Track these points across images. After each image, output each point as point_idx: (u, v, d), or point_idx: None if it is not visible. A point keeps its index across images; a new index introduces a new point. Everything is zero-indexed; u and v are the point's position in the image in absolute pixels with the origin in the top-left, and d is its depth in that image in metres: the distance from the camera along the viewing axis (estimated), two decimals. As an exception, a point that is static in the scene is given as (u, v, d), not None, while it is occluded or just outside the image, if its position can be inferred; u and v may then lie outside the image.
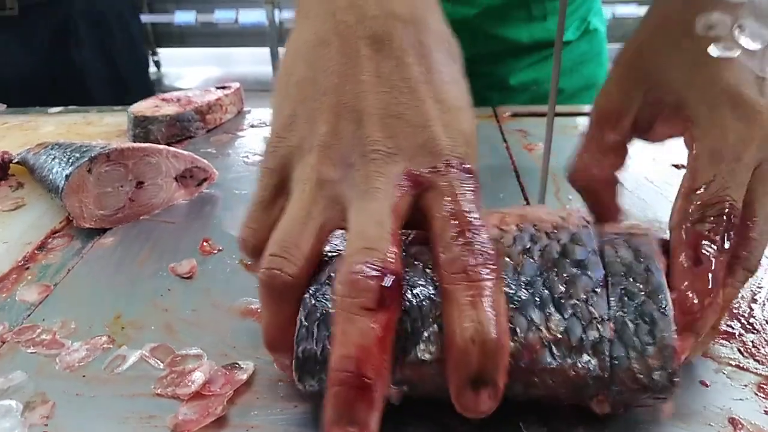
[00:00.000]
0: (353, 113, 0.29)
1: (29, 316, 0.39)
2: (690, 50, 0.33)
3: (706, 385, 0.32)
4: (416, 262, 0.29)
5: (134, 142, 0.65)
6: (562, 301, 0.27)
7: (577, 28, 0.83)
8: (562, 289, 0.27)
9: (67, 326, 0.38)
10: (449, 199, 0.27)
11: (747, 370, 0.33)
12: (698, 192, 0.30)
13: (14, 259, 0.45)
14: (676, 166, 0.58)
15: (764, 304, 0.38)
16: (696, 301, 0.28)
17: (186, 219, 0.51)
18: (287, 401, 0.32)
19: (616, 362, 0.26)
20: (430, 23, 0.32)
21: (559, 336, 0.26)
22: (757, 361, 0.34)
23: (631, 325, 0.27)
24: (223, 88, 0.74)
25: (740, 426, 0.29)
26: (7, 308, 0.40)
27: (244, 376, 0.33)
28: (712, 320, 0.29)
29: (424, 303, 0.27)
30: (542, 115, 0.62)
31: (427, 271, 0.28)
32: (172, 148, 0.52)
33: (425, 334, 0.27)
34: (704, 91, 0.32)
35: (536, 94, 0.83)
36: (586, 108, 0.76)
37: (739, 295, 0.39)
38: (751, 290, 0.40)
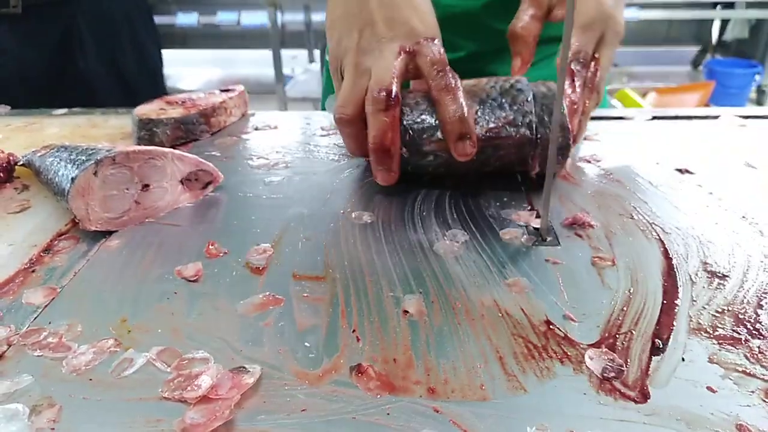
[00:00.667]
0: (369, 25, 0.55)
1: (35, 319, 0.39)
2: None
3: (713, 391, 0.32)
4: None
5: (139, 144, 0.65)
6: (513, 106, 0.53)
7: None
8: (510, 100, 0.53)
9: (74, 329, 0.38)
10: (429, 58, 0.53)
11: (754, 375, 0.33)
12: (577, 52, 0.57)
13: (20, 262, 0.45)
14: (680, 171, 0.58)
15: (771, 310, 0.38)
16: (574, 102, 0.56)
17: (191, 222, 0.51)
18: (294, 405, 0.32)
19: (539, 135, 0.52)
20: None
21: (511, 118, 0.52)
22: (764, 366, 0.34)
23: (546, 117, 0.52)
24: (227, 90, 0.74)
25: (748, 432, 0.29)
26: (13, 311, 0.40)
27: (251, 380, 0.33)
28: (579, 115, 0.57)
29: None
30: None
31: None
32: (177, 151, 0.52)
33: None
34: None
35: None
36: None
37: (743, 298, 0.39)
38: (757, 296, 0.40)
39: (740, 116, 0.71)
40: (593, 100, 0.58)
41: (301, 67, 3.83)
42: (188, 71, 4.97)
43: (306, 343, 0.36)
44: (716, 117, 0.72)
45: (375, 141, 0.51)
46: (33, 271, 0.44)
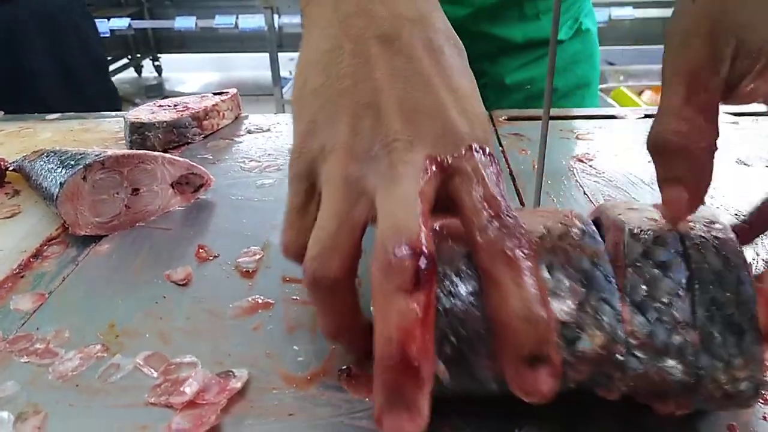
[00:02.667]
0: (370, 109, 0.30)
1: (23, 325, 0.39)
2: None
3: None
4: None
5: (131, 148, 0.65)
6: (645, 303, 0.26)
7: (570, 27, 0.83)
8: (645, 288, 0.27)
9: (61, 335, 0.38)
10: (477, 183, 0.28)
11: (745, 375, 0.33)
12: None
13: (9, 267, 0.45)
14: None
15: (763, 308, 0.38)
16: None
17: (182, 225, 0.51)
18: (281, 410, 0.31)
19: (702, 371, 0.26)
20: (435, 21, 0.33)
21: (644, 339, 0.26)
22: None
23: (717, 335, 0.26)
24: (220, 93, 0.74)
25: (739, 432, 0.29)
26: (1, 317, 0.40)
27: (239, 384, 0.33)
28: None
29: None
30: (538, 118, 0.62)
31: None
32: (167, 155, 0.51)
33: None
34: None
35: (531, 93, 0.83)
36: (580, 111, 0.76)
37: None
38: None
39: (732, 114, 0.71)
40: None
41: (299, 69, 3.82)
42: (186, 75, 4.97)
43: (295, 347, 0.36)
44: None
45: (391, 348, 0.24)
46: (22, 277, 0.44)
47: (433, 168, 0.28)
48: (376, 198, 0.28)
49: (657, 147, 0.29)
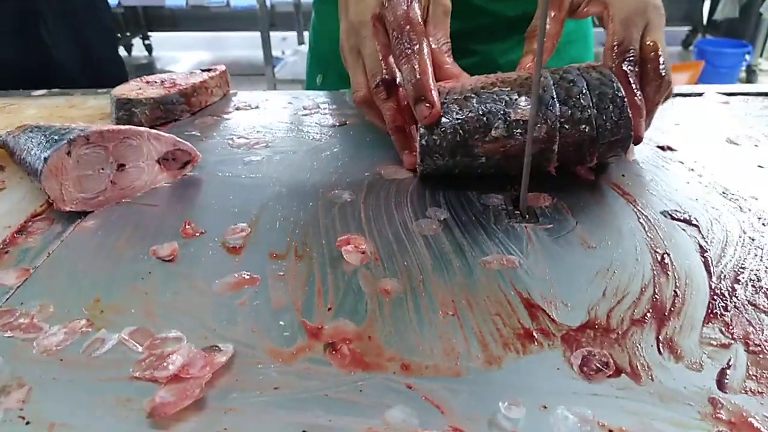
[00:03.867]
0: (344, 6, 0.55)
1: (7, 300, 0.38)
2: None
3: (687, 365, 0.32)
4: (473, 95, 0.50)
5: (117, 125, 0.64)
6: (570, 101, 0.48)
7: None
8: (564, 93, 0.49)
9: (46, 310, 0.37)
10: (391, 20, 0.51)
11: (728, 348, 0.33)
12: (617, 45, 0.52)
13: (-7, 243, 0.44)
14: (662, 148, 0.58)
15: (746, 285, 0.38)
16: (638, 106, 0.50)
17: (168, 202, 0.50)
18: (267, 384, 0.31)
19: (600, 129, 0.48)
20: None
21: (568, 114, 0.48)
22: (737, 339, 0.34)
23: (606, 106, 0.48)
24: (209, 70, 0.73)
25: (720, 405, 0.29)
26: (-16, 292, 0.39)
27: (224, 359, 0.33)
28: (644, 115, 0.51)
29: (491, 108, 0.49)
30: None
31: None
32: (153, 131, 0.51)
33: (496, 124, 0.48)
34: None
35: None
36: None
37: (721, 273, 0.38)
38: (734, 270, 0.39)
39: (723, 93, 0.71)
40: (663, 89, 0.52)
41: (291, 48, 3.79)
42: (177, 54, 4.91)
43: (281, 322, 0.36)
44: (700, 94, 0.71)
45: (390, 126, 0.54)
46: (6, 252, 0.43)
47: (375, 21, 0.52)
48: (362, 55, 0.54)
49: (527, 35, 0.59)
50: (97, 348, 0.34)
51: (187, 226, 0.46)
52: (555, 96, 0.48)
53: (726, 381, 0.31)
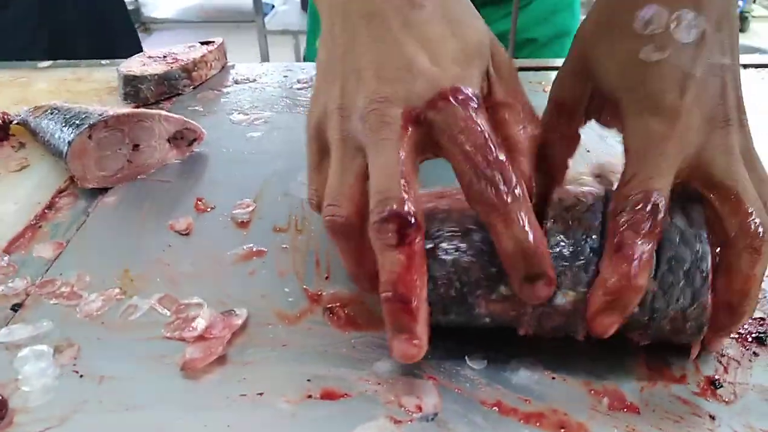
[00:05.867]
0: (354, 73, 0.34)
1: (47, 270, 0.45)
2: (626, 50, 0.35)
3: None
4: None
5: (125, 100, 0.69)
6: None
7: None
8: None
9: (83, 279, 0.44)
10: (457, 131, 0.32)
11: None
12: (623, 187, 0.33)
13: (27, 218, 0.50)
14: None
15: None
16: (615, 282, 0.31)
17: (179, 178, 0.56)
18: (276, 342, 0.38)
19: (656, 314, 0.33)
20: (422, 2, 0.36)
21: None
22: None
23: (676, 284, 0.32)
24: (207, 43, 0.77)
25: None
26: (26, 264, 0.45)
27: (239, 321, 0.39)
28: (634, 300, 0.31)
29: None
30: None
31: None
32: (164, 112, 0.56)
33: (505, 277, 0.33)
34: (633, 93, 0.34)
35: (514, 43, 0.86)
36: (557, 62, 0.80)
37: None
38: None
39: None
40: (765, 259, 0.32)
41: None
42: (162, 0, 4.81)
43: (286, 289, 0.42)
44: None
45: (387, 288, 0.31)
46: (40, 227, 0.49)
47: (409, 122, 0.32)
48: (368, 160, 0.33)
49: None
50: (131, 313, 0.41)
51: (198, 202, 0.51)
52: (597, 247, 0.33)
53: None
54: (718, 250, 0.33)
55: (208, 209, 0.51)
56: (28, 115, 0.59)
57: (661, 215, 0.31)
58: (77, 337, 0.39)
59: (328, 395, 0.34)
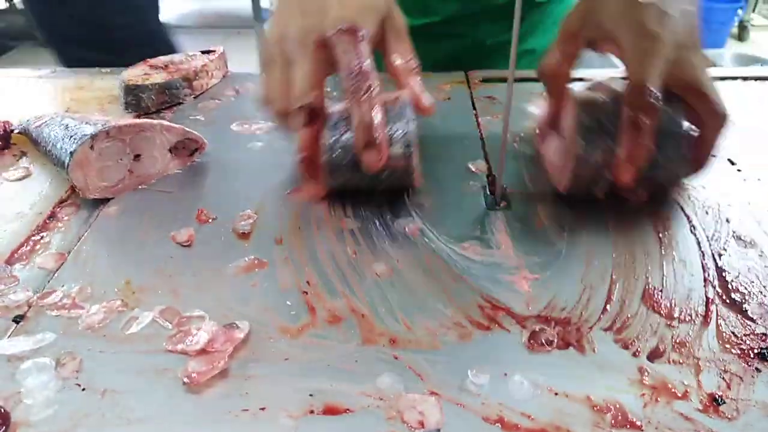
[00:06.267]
0: (289, 10, 0.54)
1: (49, 282, 0.45)
2: (623, 1, 0.50)
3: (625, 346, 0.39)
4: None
5: (126, 109, 0.69)
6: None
7: None
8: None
9: (84, 291, 0.44)
10: (341, 53, 0.49)
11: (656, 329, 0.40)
12: (630, 87, 0.48)
13: (29, 229, 0.50)
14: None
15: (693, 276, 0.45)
16: (631, 145, 0.47)
17: (181, 188, 0.56)
18: (278, 356, 0.38)
19: (655, 165, 0.48)
20: None
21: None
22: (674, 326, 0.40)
23: (667, 147, 0.48)
24: (208, 52, 0.77)
25: (647, 373, 0.36)
26: (28, 275, 0.45)
27: (242, 335, 0.39)
28: (644, 156, 0.47)
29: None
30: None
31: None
32: (165, 122, 0.56)
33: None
34: (629, 26, 0.50)
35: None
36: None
37: (664, 260, 0.44)
38: (682, 261, 0.46)
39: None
40: (722, 126, 0.49)
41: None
42: (162, 4, 4.81)
43: (288, 302, 0.42)
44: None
45: (302, 153, 0.53)
46: (41, 238, 0.49)
47: (319, 47, 0.50)
48: (295, 74, 0.51)
49: (540, 74, 0.55)
50: (132, 325, 0.41)
51: (200, 213, 0.51)
52: (614, 121, 0.48)
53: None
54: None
55: (210, 220, 0.51)
56: (30, 125, 0.59)
57: (658, 102, 0.47)
58: (79, 349, 0.39)
59: (331, 410, 0.34)
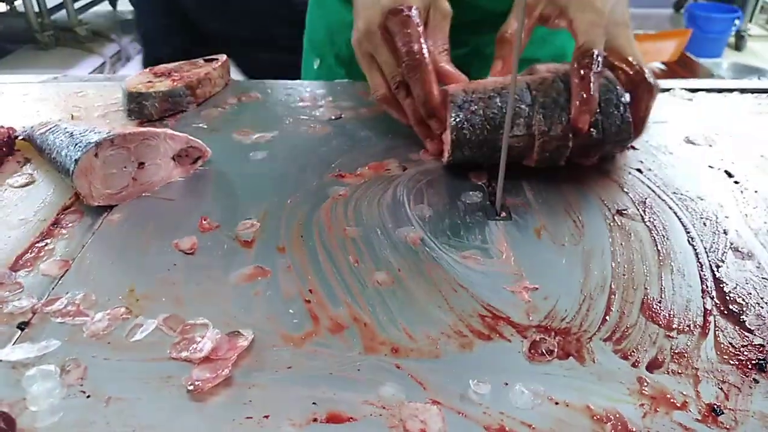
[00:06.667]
0: (356, 8, 0.63)
1: (53, 289, 0.45)
2: None
3: (625, 356, 0.39)
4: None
5: (129, 116, 0.69)
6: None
7: None
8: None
9: (89, 298, 0.44)
10: (395, 31, 0.58)
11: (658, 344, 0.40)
12: (579, 50, 0.57)
13: (33, 235, 0.50)
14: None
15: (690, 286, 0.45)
16: (584, 96, 0.55)
17: (184, 196, 0.56)
18: (282, 364, 0.38)
19: (606, 132, 0.56)
20: None
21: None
22: (672, 338, 0.41)
23: (609, 109, 0.56)
24: (211, 60, 0.78)
25: (645, 383, 0.37)
26: (33, 282, 0.46)
27: (246, 343, 0.39)
28: (594, 104, 0.55)
29: (515, 106, 0.56)
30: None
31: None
32: (169, 131, 0.56)
33: (517, 121, 0.56)
34: (578, 4, 0.60)
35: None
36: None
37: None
38: (680, 271, 0.47)
39: (687, 90, 0.77)
40: (653, 92, 0.59)
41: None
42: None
43: (291, 310, 0.43)
44: (668, 90, 0.78)
45: (412, 120, 0.62)
46: (45, 245, 0.50)
47: (381, 30, 0.59)
48: (377, 60, 0.62)
49: (497, 40, 0.64)
50: (137, 332, 0.41)
51: (203, 221, 0.52)
52: (567, 98, 0.56)
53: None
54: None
55: (213, 228, 0.51)
56: (34, 131, 0.60)
57: (601, 62, 0.56)
58: (84, 356, 0.39)
59: (334, 419, 0.35)
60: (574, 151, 0.57)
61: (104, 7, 4.65)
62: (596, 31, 0.58)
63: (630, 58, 0.59)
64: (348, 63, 0.90)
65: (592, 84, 0.55)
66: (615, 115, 0.56)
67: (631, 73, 0.58)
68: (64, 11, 3.98)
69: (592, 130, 0.56)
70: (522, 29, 0.49)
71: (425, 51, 0.57)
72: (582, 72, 0.55)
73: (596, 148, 0.58)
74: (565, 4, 0.61)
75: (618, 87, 0.57)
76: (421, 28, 0.58)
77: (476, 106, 0.56)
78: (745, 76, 2.84)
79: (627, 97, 0.57)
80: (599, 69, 0.56)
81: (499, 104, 0.56)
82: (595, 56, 0.56)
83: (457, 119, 0.56)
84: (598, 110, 0.55)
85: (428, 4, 0.61)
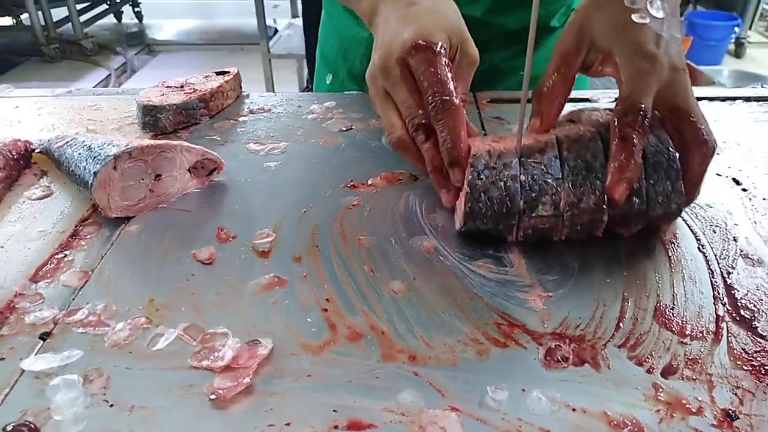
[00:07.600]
0: (373, 46, 0.57)
1: (74, 299, 0.46)
2: (618, 17, 0.51)
3: (639, 363, 0.40)
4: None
5: (143, 129, 0.70)
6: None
7: (563, 14, 0.87)
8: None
9: (109, 308, 0.45)
10: (423, 72, 0.52)
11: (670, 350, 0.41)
12: (623, 102, 0.48)
13: (52, 247, 0.51)
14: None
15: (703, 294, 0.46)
16: (623, 160, 0.46)
17: (200, 207, 0.57)
18: (301, 372, 0.39)
19: (651, 202, 0.48)
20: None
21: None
22: (685, 343, 0.42)
23: (661, 179, 0.48)
24: (223, 73, 0.79)
25: (661, 389, 0.37)
26: (53, 293, 0.46)
27: (266, 352, 0.40)
28: (636, 172, 0.46)
29: (540, 183, 0.48)
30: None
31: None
32: (185, 143, 0.57)
33: (542, 199, 0.48)
34: (624, 45, 0.51)
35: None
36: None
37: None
38: (692, 279, 0.47)
39: (694, 99, 0.77)
40: (709, 156, 0.49)
41: (284, 18, 3.79)
42: (167, 22, 4.88)
43: (308, 319, 0.43)
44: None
45: (429, 167, 0.53)
46: (65, 256, 0.50)
47: (401, 66, 0.53)
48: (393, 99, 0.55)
49: (534, 93, 0.54)
50: (158, 342, 0.42)
51: (220, 232, 0.53)
52: (603, 162, 0.47)
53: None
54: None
55: (230, 239, 0.52)
56: (51, 144, 0.61)
57: (648, 119, 0.47)
58: (106, 366, 0.40)
59: (355, 426, 0.35)
60: (612, 220, 0.49)
61: (109, 20, 4.70)
62: (646, 81, 0.48)
63: (686, 112, 0.49)
64: (361, 79, 0.90)
65: (635, 147, 0.46)
66: (664, 183, 0.48)
67: (687, 130, 0.49)
68: (69, 24, 4.03)
69: (634, 199, 0.47)
70: (532, 52, 0.48)
71: (455, 92, 0.51)
72: (624, 132, 0.46)
73: (638, 219, 0.49)
74: (607, 46, 0.51)
75: (670, 148, 0.48)
76: (447, 72, 0.52)
77: (498, 177, 0.48)
78: (746, 83, 2.86)
79: (678, 161, 0.48)
80: (646, 127, 0.47)
81: (523, 180, 0.48)
82: (641, 112, 0.47)
83: (474, 188, 0.49)
84: (642, 175, 0.47)
85: (456, 45, 0.55)
